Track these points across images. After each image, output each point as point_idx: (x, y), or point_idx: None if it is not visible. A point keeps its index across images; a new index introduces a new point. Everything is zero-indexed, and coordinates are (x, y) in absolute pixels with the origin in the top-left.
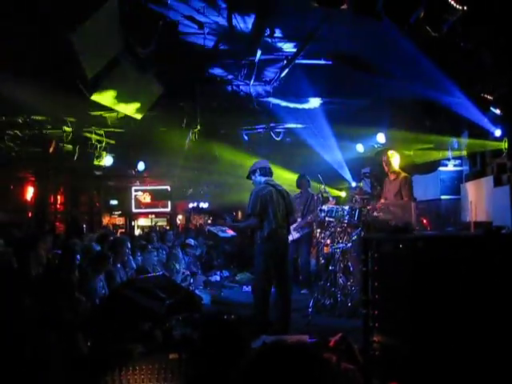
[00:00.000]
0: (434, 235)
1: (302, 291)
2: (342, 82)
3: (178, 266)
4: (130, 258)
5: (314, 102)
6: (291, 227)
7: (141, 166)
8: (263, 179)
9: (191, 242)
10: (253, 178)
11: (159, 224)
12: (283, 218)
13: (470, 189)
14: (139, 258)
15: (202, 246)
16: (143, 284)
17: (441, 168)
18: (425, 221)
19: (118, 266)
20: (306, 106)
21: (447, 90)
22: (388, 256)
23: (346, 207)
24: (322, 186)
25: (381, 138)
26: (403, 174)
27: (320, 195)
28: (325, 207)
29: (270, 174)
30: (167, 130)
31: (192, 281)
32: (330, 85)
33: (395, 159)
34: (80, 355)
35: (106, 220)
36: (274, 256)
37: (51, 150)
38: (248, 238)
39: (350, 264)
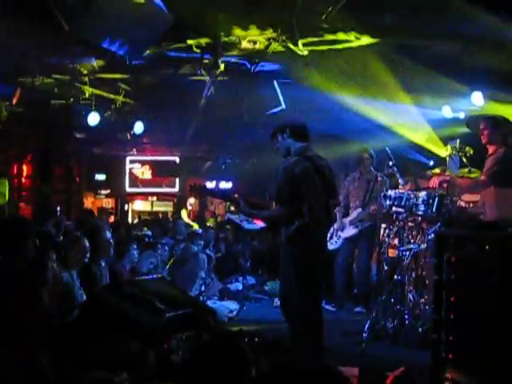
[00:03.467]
0: None
1: (357, 309)
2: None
3: (199, 274)
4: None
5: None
6: (346, 220)
7: (138, 127)
8: (296, 145)
9: (199, 231)
10: (279, 139)
11: (160, 210)
12: (321, 208)
13: None
14: (135, 253)
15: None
16: (135, 289)
17: None
18: None
19: (102, 264)
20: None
21: None
22: (470, 260)
23: (422, 193)
24: (390, 163)
25: (477, 98)
26: (503, 148)
27: (384, 176)
28: (391, 192)
29: (307, 137)
30: (176, 72)
31: (203, 288)
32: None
33: (496, 128)
34: (43, 381)
35: (88, 201)
36: (304, 261)
37: (15, 100)
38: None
39: (424, 273)
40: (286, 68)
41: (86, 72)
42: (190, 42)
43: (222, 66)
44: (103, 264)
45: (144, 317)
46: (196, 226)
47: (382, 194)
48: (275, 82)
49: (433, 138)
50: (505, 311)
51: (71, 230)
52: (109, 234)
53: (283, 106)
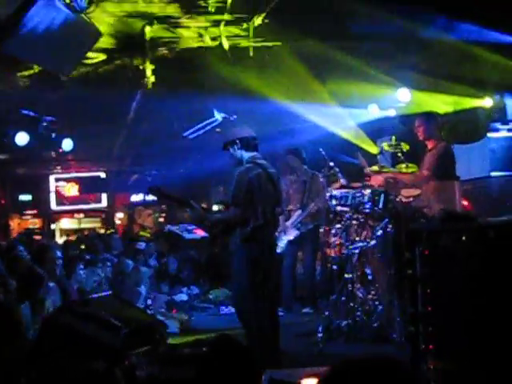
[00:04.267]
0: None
1: (304, 310)
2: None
3: (141, 288)
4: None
5: None
6: (288, 223)
7: (67, 144)
8: (247, 155)
9: (141, 246)
10: (231, 151)
11: (88, 226)
12: (272, 211)
13: None
14: (81, 273)
15: (156, 253)
16: (88, 308)
17: (490, 134)
18: (467, 204)
19: (51, 285)
20: None
21: None
22: (445, 253)
23: (367, 191)
24: (331, 164)
25: (403, 94)
26: (442, 143)
27: (324, 175)
28: (336, 192)
29: (256, 147)
30: (105, 90)
31: (151, 302)
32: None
33: (432, 123)
34: None
35: (14, 223)
36: (259, 261)
37: None
38: (221, 240)
39: (367, 270)
40: None
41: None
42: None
43: (153, 78)
44: (51, 285)
45: (102, 335)
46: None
47: (329, 195)
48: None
49: (361, 136)
50: (485, 297)
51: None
52: (58, 253)
53: (218, 117)
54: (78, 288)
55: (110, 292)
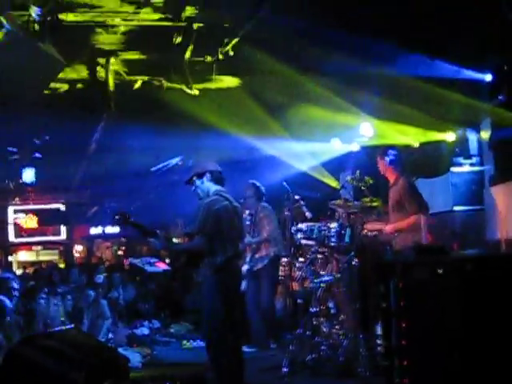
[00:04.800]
0: (488, 255)
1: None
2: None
3: (102, 322)
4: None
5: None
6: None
7: (28, 175)
8: (214, 188)
9: (100, 278)
10: (198, 183)
11: (46, 259)
12: (238, 244)
13: (499, 196)
14: (42, 302)
15: (116, 286)
16: (49, 342)
17: (453, 169)
18: (430, 238)
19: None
20: None
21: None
22: (421, 286)
23: (334, 225)
24: (297, 197)
25: (366, 129)
26: (402, 177)
27: (288, 208)
28: (302, 226)
29: (223, 181)
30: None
31: (111, 335)
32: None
33: (393, 157)
34: None
35: None
36: (230, 292)
37: None
38: (182, 273)
39: (330, 304)
40: None
41: None
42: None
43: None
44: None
45: (65, 370)
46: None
47: (294, 229)
48: None
49: (320, 170)
50: (466, 331)
51: None
52: (16, 285)
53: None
54: (43, 320)
55: (73, 325)
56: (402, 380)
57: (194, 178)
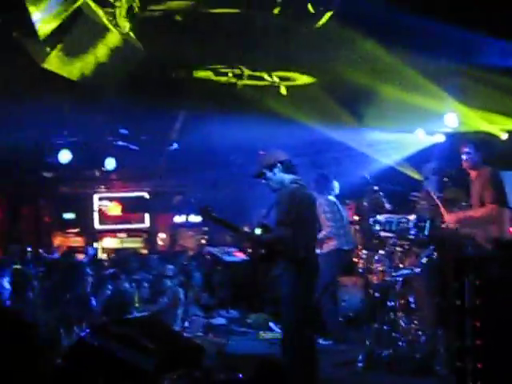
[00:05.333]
0: None
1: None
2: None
3: (178, 310)
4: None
5: None
6: None
7: (109, 163)
8: (288, 177)
9: (170, 269)
10: (269, 175)
11: (130, 246)
12: (316, 233)
13: None
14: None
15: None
16: (122, 330)
17: None
18: None
19: None
20: None
21: None
22: (498, 282)
23: (412, 217)
24: (375, 188)
25: (451, 119)
26: (486, 169)
27: (368, 200)
28: (380, 217)
29: (295, 169)
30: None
31: (187, 324)
32: None
33: (480, 153)
34: None
35: (57, 240)
36: (311, 285)
37: None
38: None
39: (411, 299)
40: None
41: None
42: None
43: None
44: None
45: (136, 358)
46: None
47: (372, 220)
48: None
49: (404, 164)
50: None
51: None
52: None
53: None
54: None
55: (147, 312)
56: (475, 383)
57: (265, 171)
